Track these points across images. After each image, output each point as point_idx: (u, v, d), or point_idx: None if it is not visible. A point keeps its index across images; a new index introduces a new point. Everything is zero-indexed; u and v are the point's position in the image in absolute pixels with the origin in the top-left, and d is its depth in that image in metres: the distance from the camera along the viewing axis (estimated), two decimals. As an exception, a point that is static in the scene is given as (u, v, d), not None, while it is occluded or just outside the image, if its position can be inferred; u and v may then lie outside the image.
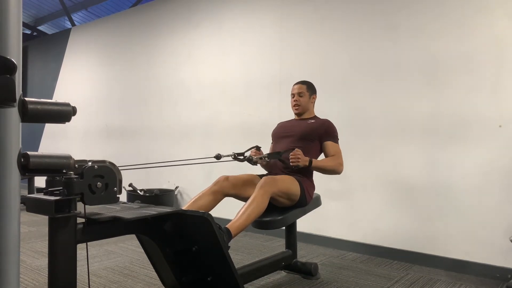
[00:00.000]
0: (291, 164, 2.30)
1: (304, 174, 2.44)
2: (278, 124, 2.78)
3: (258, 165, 2.48)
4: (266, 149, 2.65)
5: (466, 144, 2.67)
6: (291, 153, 2.30)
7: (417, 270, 2.72)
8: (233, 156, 2.28)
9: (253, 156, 2.35)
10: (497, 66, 2.57)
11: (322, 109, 3.31)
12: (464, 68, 2.69)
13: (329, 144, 2.49)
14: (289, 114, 2.81)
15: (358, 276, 2.59)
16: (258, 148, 2.50)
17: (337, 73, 3.30)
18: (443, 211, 2.75)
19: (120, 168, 1.38)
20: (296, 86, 2.62)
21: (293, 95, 2.62)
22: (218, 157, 2.17)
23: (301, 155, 2.28)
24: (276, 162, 2.49)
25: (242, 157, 2.30)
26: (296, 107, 2.60)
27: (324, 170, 2.41)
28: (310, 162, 2.32)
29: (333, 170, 2.41)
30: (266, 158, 2.38)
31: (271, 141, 2.73)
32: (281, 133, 2.64)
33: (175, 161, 2.12)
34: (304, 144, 2.47)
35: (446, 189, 2.74)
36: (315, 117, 2.64)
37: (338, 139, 2.54)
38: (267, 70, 3.75)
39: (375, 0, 3.10)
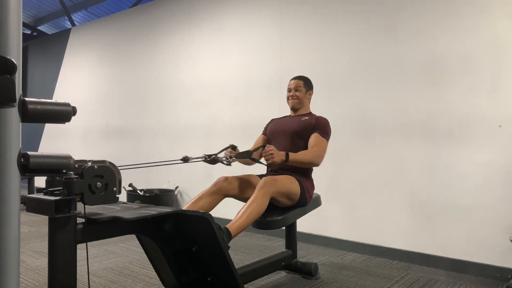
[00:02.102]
0: (266, 162, 2.21)
1: (304, 173, 2.43)
2: (272, 120, 2.76)
3: (257, 164, 2.47)
4: (247, 146, 2.62)
5: (466, 144, 2.67)
6: (263, 151, 2.22)
7: (417, 270, 2.72)
8: (203, 159, 2.16)
9: (222, 157, 2.24)
10: (497, 66, 2.57)
11: (322, 109, 3.31)
12: (464, 68, 2.69)
13: (314, 135, 2.42)
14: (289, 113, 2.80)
15: (358, 276, 2.59)
16: (233, 147, 2.40)
17: (337, 73, 3.30)
18: (443, 211, 2.75)
19: (119, 168, 1.38)
20: (293, 81, 2.59)
21: (289, 89, 2.59)
22: (185, 159, 2.07)
23: (274, 151, 2.18)
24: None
25: (211, 159, 2.19)
26: (293, 100, 2.57)
27: (302, 163, 2.32)
28: (287, 155, 2.21)
29: (311, 162, 2.34)
30: (233, 158, 2.25)
31: (259, 136, 2.71)
32: (276, 130, 2.61)
33: (150, 163, 2.09)
34: (298, 141, 2.45)
35: (446, 189, 2.74)
36: (310, 114, 2.59)
37: (327, 135, 2.46)
38: (267, 70, 3.75)
39: (375, 0, 3.10)
